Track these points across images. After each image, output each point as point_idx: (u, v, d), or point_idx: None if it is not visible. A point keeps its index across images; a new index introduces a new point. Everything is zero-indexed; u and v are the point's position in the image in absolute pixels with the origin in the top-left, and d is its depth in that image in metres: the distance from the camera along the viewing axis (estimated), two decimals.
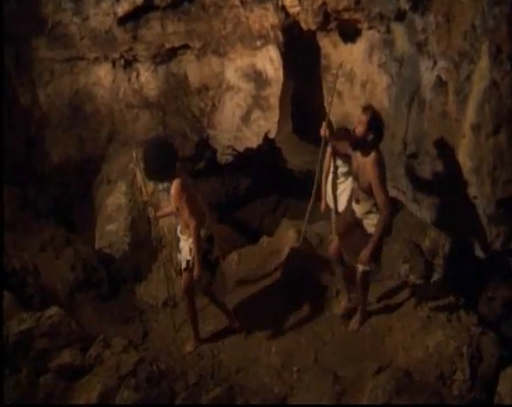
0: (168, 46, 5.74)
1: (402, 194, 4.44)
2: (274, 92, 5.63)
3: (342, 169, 4.51)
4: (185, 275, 3.92)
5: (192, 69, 5.87)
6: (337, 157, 4.51)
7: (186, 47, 5.78)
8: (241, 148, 5.93)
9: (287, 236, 5.05)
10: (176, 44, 5.74)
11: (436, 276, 4.69)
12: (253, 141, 5.84)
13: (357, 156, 3.64)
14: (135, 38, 5.76)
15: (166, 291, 4.60)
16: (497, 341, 3.70)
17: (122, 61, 5.89)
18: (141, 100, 6.02)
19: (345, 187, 4.51)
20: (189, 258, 3.84)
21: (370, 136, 3.47)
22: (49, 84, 6.06)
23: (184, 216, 3.75)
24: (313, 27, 4.82)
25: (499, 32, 3.31)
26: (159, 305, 4.88)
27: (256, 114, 5.76)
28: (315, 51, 5.26)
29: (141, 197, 5.33)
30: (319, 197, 4.79)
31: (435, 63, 3.80)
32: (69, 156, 6.15)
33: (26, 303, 4.26)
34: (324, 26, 4.77)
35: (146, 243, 5.26)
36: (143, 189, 4.38)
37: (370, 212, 3.69)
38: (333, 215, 4.75)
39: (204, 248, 3.86)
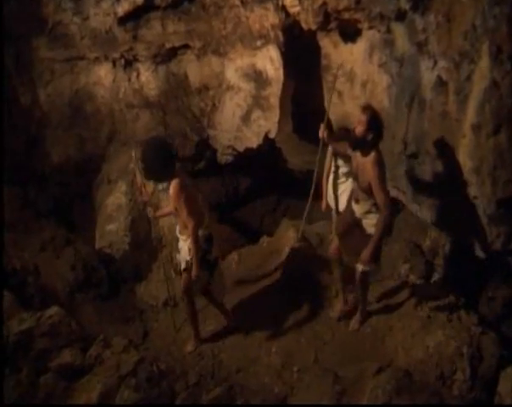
0: (168, 46, 5.74)
1: (402, 194, 4.44)
2: (274, 92, 5.63)
3: (343, 169, 4.51)
4: (184, 275, 3.92)
5: (193, 69, 5.87)
6: (338, 157, 4.51)
7: (186, 46, 5.78)
8: (241, 148, 5.93)
9: (287, 236, 5.05)
10: (177, 44, 5.74)
11: (436, 276, 4.69)
12: (253, 141, 5.84)
13: (356, 156, 3.64)
14: (135, 38, 5.75)
15: (166, 291, 4.60)
16: (497, 341, 3.70)
17: (122, 61, 5.89)
18: (141, 100, 6.02)
19: (346, 187, 4.51)
20: (188, 258, 3.84)
21: (370, 136, 3.47)
22: (49, 84, 6.06)
23: (182, 216, 3.74)
24: (313, 27, 4.81)
25: (500, 32, 3.31)
26: (160, 305, 4.88)
27: (256, 113, 5.76)
28: (316, 51, 5.25)
29: (141, 197, 5.33)
30: (320, 197, 4.80)
31: (435, 63, 3.79)
32: (70, 156, 6.15)
33: (26, 302, 4.26)
34: (324, 26, 4.77)
35: (146, 243, 5.26)
36: (143, 189, 4.38)
37: (369, 212, 3.69)
38: (334, 215, 4.75)
39: (203, 248, 3.86)
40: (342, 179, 4.56)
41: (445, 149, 3.83)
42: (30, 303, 4.33)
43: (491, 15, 3.32)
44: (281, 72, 5.52)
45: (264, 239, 5.35)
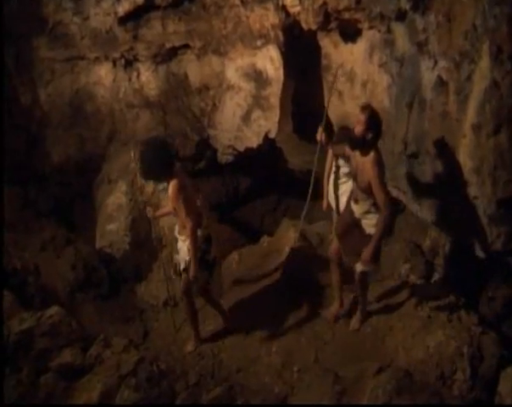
0: (168, 45, 5.74)
1: (402, 194, 4.44)
2: (274, 92, 5.63)
3: (344, 169, 4.51)
4: (184, 275, 3.92)
5: (193, 69, 5.87)
6: (339, 157, 4.51)
7: (186, 46, 5.78)
8: (241, 148, 5.94)
9: (288, 236, 5.05)
10: (177, 44, 5.75)
11: (436, 276, 4.69)
12: (253, 140, 5.84)
13: (356, 156, 3.64)
14: (135, 38, 5.76)
15: (166, 290, 4.60)
16: (497, 341, 3.70)
17: (123, 61, 5.90)
18: (141, 100, 6.02)
19: (347, 188, 4.51)
20: (188, 258, 3.84)
21: (369, 135, 3.47)
22: (50, 83, 6.06)
23: (181, 217, 3.74)
24: (313, 27, 4.82)
25: (500, 32, 3.31)
26: (160, 305, 4.88)
27: (256, 113, 5.76)
28: (316, 51, 5.26)
29: (141, 197, 5.33)
30: (321, 197, 4.81)
31: (435, 62, 3.79)
32: (70, 155, 6.15)
33: (27, 302, 4.26)
34: (324, 26, 4.77)
35: (146, 243, 5.26)
36: (143, 189, 4.38)
37: (368, 212, 3.68)
38: (334, 215, 4.76)
39: (202, 249, 3.85)
40: (343, 179, 4.56)
41: (445, 149, 3.83)
42: (31, 303, 4.33)
43: (491, 15, 3.31)
44: (281, 72, 5.52)
45: (265, 239, 5.34)
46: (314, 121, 4.44)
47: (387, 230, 3.66)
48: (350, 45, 4.80)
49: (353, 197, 3.82)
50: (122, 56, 5.86)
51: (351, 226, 3.82)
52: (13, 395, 3.27)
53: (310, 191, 4.65)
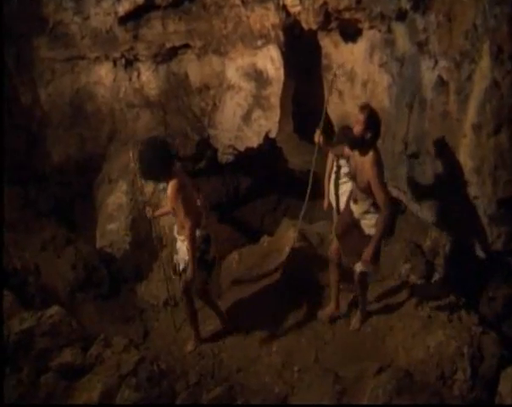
0: (169, 45, 5.74)
1: (403, 194, 4.44)
2: (275, 92, 5.63)
3: (345, 169, 4.50)
4: (183, 275, 3.92)
5: (193, 69, 5.87)
6: (340, 157, 4.51)
7: (186, 46, 5.78)
8: (241, 148, 5.94)
9: (288, 236, 5.05)
10: (177, 43, 5.75)
11: (436, 276, 4.68)
12: (253, 140, 5.85)
13: (355, 155, 3.63)
14: (136, 37, 5.76)
15: (167, 290, 4.60)
16: (498, 341, 3.70)
17: (123, 60, 5.90)
18: (141, 99, 6.02)
19: (347, 188, 4.51)
20: (187, 258, 3.84)
21: (368, 135, 3.47)
22: (50, 83, 6.06)
23: (180, 217, 3.73)
24: (314, 27, 4.81)
25: (500, 32, 3.30)
26: (160, 304, 4.88)
27: (257, 113, 5.76)
28: (316, 50, 5.26)
29: (141, 197, 5.33)
30: (322, 196, 4.81)
31: (436, 62, 3.79)
32: (70, 155, 6.15)
33: (27, 302, 4.26)
34: (325, 26, 4.77)
35: (147, 243, 5.25)
36: (143, 189, 4.37)
37: (367, 212, 3.67)
38: (335, 215, 4.76)
39: (201, 249, 3.85)
40: (344, 179, 4.56)
41: (446, 149, 3.83)
42: (31, 303, 4.33)
43: (491, 15, 3.31)
44: (281, 72, 5.52)
45: (265, 239, 5.35)
46: (315, 121, 4.44)
47: (387, 230, 3.66)
48: (350, 45, 4.80)
49: (352, 198, 3.82)
50: (122, 56, 5.86)
51: (350, 227, 3.82)
52: (14, 395, 3.27)
53: (308, 191, 4.65)
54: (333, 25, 4.74)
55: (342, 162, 4.51)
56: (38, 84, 6.05)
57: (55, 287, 4.80)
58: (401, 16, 4.00)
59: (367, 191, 3.56)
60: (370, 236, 3.62)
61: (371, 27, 4.42)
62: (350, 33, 4.73)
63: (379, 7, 4.14)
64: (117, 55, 5.86)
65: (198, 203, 3.97)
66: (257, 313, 4.39)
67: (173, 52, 5.83)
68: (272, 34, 5.41)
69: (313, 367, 3.89)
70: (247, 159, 6.13)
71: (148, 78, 5.95)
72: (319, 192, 4.87)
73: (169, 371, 3.64)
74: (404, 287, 4.43)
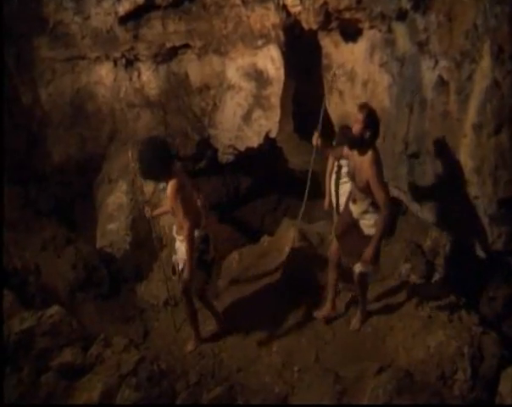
0: (169, 45, 5.75)
1: (403, 194, 4.44)
2: (275, 92, 5.63)
3: (346, 168, 4.50)
4: (182, 275, 3.91)
5: (193, 69, 5.88)
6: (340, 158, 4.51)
7: (187, 46, 5.78)
8: (242, 148, 5.94)
9: (288, 236, 5.05)
10: (177, 43, 5.75)
11: (437, 276, 4.68)
12: (253, 140, 5.85)
13: (354, 155, 3.63)
14: (136, 37, 5.76)
15: (167, 290, 4.60)
16: (498, 341, 3.69)
17: (123, 60, 5.90)
18: (142, 99, 6.03)
19: (347, 188, 4.51)
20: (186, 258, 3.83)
21: (367, 134, 3.47)
22: (50, 83, 6.07)
23: (179, 217, 3.72)
24: (314, 27, 4.81)
25: (501, 31, 3.30)
26: (160, 304, 4.88)
27: (257, 113, 5.76)
28: (316, 50, 5.26)
29: (141, 197, 5.33)
30: (323, 196, 4.81)
31: (436, 62, 3.79)
32: (71, 155, 6.16)
33: (27, 302, 4.26)
34: (325, 26, 4.77)
35: (147, 242, 5.26)
36: (144, 188, 4.37)
37: (366, 212, 3.67)
38: (335, 215, 4.76)
39: (200, 249, 3.84)
40: (345, 179, 4.55)
41: (446, 149, 3.82)
42: (31, 303, 4.33)
43: (492, 14, 3.31)
44: (281, 72, 5.53)
45: (265, 239, 5.35)
46: (315, 121, 4.44)
47: (387, 230, 3.66)
48: (351, 45, 4.80)
49: (351, 198, 3.82)
50: (123, 55, 5.86)
51: (350, 227, 3.82)
52: (14, 395, 3.27)
53: (307, 192, 4.65)
54: (333, 24, 4.74)
55: (343, 162, 4.50)
56: (38, 84, 6.06)
57: (55, 287, 4.80)
58: (401, 16, 4.00)
59: (366, 190, 3.55)
60: (369, 237, 3.62)
61: (372, 27, 4.42)
62: (350, 33, 4.72)
63: (379, 7, 4.14)
64: (117, 55, 5.86)
65: (198, 203, 3.97)
66: (257, 313, 4.38)
67: (173, 52, 5.84)
68: (272, 34, 5.41)
69: (313, 367, 3.89)
70: (248, 159, 6.13)
71: (149, 78, 5.96)
72: (319, 192, 4.87)
73: (169, 371, 3.64)
74: (405, 286, 4.43)
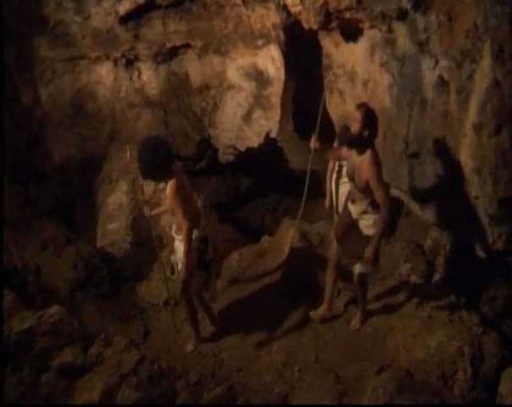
0: (169, 45, 5.75)
1: (403, 194, 4.44)
2: (275, 92, 5.64)
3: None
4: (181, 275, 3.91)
5: (194, 68, 5.88)
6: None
7: (187, 46, 5.79)
8: (242, 148, 5.94)
9: (288, 236, 5.05)
10: (178, 43, 5.75)
11: (437, 276, 4.68)
12: (254, 140, 5.85)
13: (353, 155, 3.62)
14: (136, 37, 5.77)
15: (167, 290, 4.60)
16: (498, 341, 3.69)
17: (124, 60, 5.90)
18: (142, 99, 6.03)
19: (347, 188, 4.51)
20: None
21: (366, 133, 3.46)
22: (51, 83, 6.07)
23: (178, 217, 3.72)
24: (314, 26, 4.82)
25: (501, 31, 3.30)
26: (160, 304, 4.88)
27: (257, 113, 5.76)
28: (317, 50, 5.26)
29: (142, 197, 5.33)
30: (323, 196, 4.81)
31: (437, 62, 3.79)
32: (71, 155, 6.16)
33: (28, 301, 4.26)
34: (325, 26, 4.77)
35: (147, 242, 5.26)
36: (144, 188, 4.37)
37: (365, 212, 3.66)
38: (335, 215, 4.76)
39: (199, 249, 3.84)
40: (345, 179, 4.54)
41: (446, 149, 3.82)
42: (32, 302, 4.33)
43: (492, 14, 3.31)
44: (282, 71, 5.53)
45: (265, 239, 5.35)
46: (315, 121, 4.43)
47: (387, 229, 3.65)
48: (351, 44, 4.80)
49: (350, 198, 3.81)
50: (123, 55, 5.86)
51: (349, 228, 3.81)
52: (14, 394, 3.27)
53: (305, 192, 4.65)
54: (334, 24, 4.74)
55: (345, 162, 4.50)
56: (39, 83, 6.06)
57: (56, 287, 4.80)
58: (402, 16, 4.00)
59: (365, 190, 3.54)
60: (368, 237, 3.61)
61: (372, 27, 4.42)
62: (351, 33, 4.73)
63: (380, 6, 4.14)
64: (118, 55, 5.87)
65: (198, 203, 3.97)
66: (257, 313, 4.38)
67: (174, 52, 5.84)
68: (273, 34, 5.41)
69: (313, 367, 3.88)
70: (248, 159, 6.13)
71: (149, 78, 5.96)
72: (319, 192, 4.87)
73: (169, 371, 3.64)
74: (405, 286, 4.42)
